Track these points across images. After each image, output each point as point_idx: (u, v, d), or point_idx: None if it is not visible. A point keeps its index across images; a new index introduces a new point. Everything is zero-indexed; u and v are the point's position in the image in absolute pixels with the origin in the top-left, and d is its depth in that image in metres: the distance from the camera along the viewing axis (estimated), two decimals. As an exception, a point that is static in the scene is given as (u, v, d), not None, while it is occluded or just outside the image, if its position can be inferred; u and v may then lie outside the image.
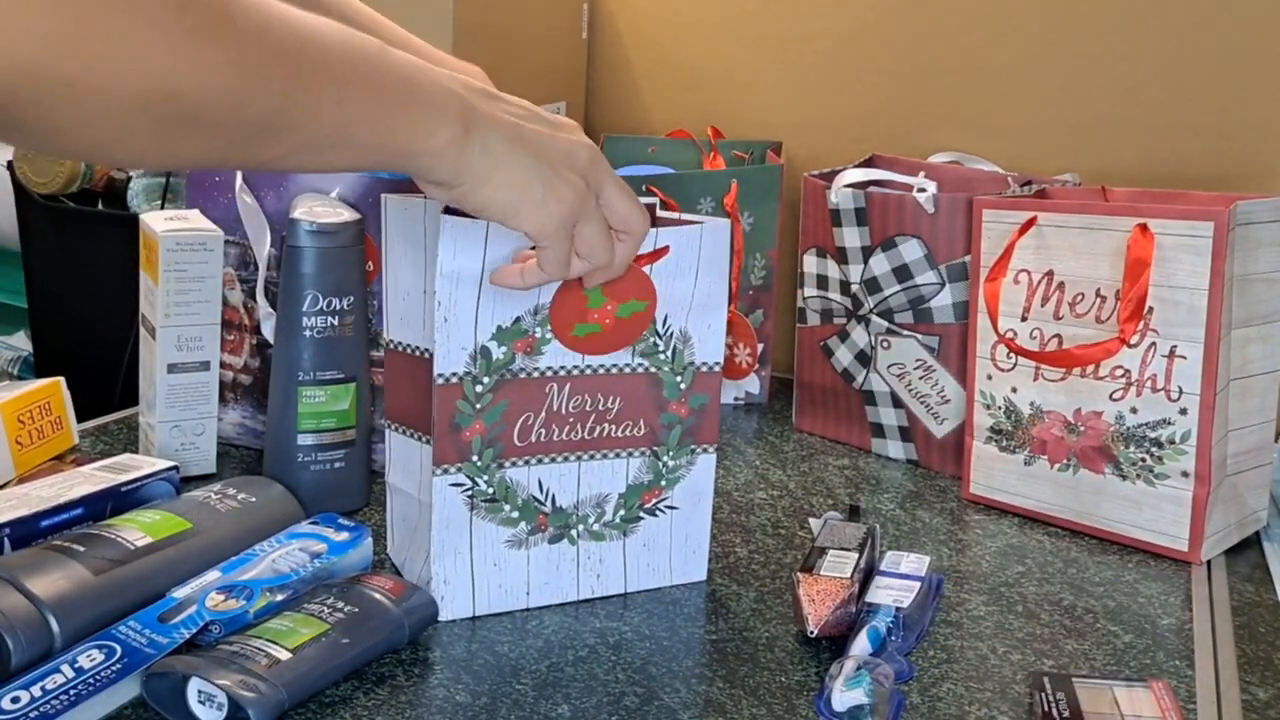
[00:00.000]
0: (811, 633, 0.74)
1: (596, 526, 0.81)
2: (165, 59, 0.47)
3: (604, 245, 0.67)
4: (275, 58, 0.51)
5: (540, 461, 0.78)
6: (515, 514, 0.78)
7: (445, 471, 0.75)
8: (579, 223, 0.66)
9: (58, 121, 0.46)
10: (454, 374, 0.74)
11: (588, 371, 0.78)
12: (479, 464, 0.76)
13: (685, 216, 0.82)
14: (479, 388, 0.75)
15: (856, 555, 0.79)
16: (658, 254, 0.77)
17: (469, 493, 0.76)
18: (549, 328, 0.76)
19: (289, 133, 0.54)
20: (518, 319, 0.75)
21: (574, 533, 0.80)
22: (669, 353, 0.80)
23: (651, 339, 0.79)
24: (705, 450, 0.83)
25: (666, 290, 0.78)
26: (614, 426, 0.79)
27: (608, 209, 0.67)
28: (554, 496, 0.79)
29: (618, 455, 0.80)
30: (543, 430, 0.77)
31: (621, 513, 0.81)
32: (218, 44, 0.49)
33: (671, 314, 0.79)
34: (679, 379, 0.81)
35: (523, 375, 0.76)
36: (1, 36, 0.43)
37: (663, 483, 0.82)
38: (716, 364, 0.82)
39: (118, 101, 0.46)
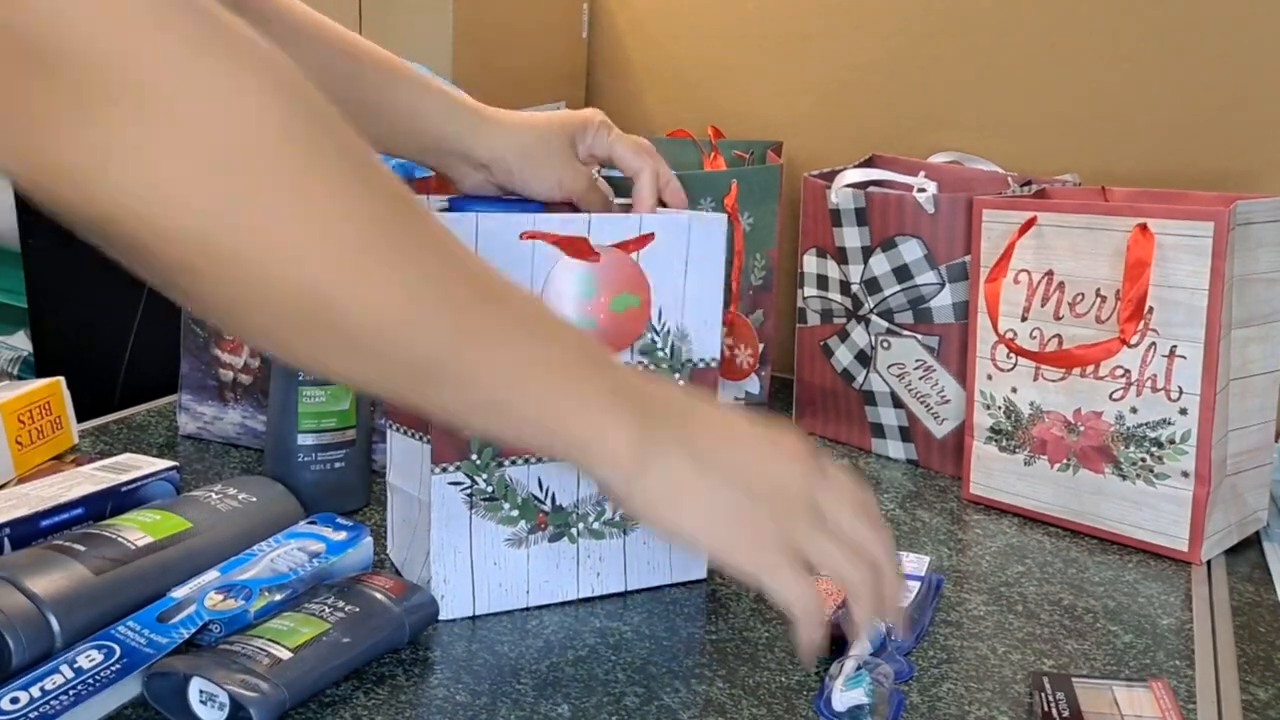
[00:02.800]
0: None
1: (596, 525, 0.81)
2: (329, 264, 0.46)
3: (844, 560, 0.58)
4: (442, 297, 0.49)
5: (540, 460, 0.78)
6: (515, 512, 0.78)
7: (444, 470, 0.75)
8: (801, 543, 0.58)
9: (215, 297, 0.46)
10: (454, 374, 0.74)
11: None
12: (478, 462, 0.76)
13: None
14: (479, 387, 0.75)
15: None
16: (642, 240, 0.77)
17: (468, 491, 0.76)
18: None
19: (446, 386, 0.51)
20: None
21: (574, 531, 0.80)
22: (667, 350, 0.80)
23: (650, 337, 0.79)
24: None
25: (656, 282, 0.78)
26: None
27: (836, 529, 0.59)
28: (553, 495, 0.79)
29: None
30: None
31: (621, 511, 0.81)
32: (387, 267, 0.47)
33: (667, 310, 0.79)
34: (677, 376, 0.81)
35: None
36: (175, 204, 0.42)
37: (663, 482, 0.82)
38: (714, 360, 0.82)
39: (272, 292, 0.45)
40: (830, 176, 1.18)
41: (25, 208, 1.55)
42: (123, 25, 0.41)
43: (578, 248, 0.75)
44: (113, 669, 0.63)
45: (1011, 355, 1.00)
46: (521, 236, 0.74)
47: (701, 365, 0.82)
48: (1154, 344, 0.91)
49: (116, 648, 0.64)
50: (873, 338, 1.13)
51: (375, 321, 0.47)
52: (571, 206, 0.81)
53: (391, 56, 0.89)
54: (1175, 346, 0.90)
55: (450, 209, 0.74)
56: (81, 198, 0.42)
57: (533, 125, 0.78)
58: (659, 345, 0.80)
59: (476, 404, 0.52)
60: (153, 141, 0.42)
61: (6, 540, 0.76)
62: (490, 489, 0.77)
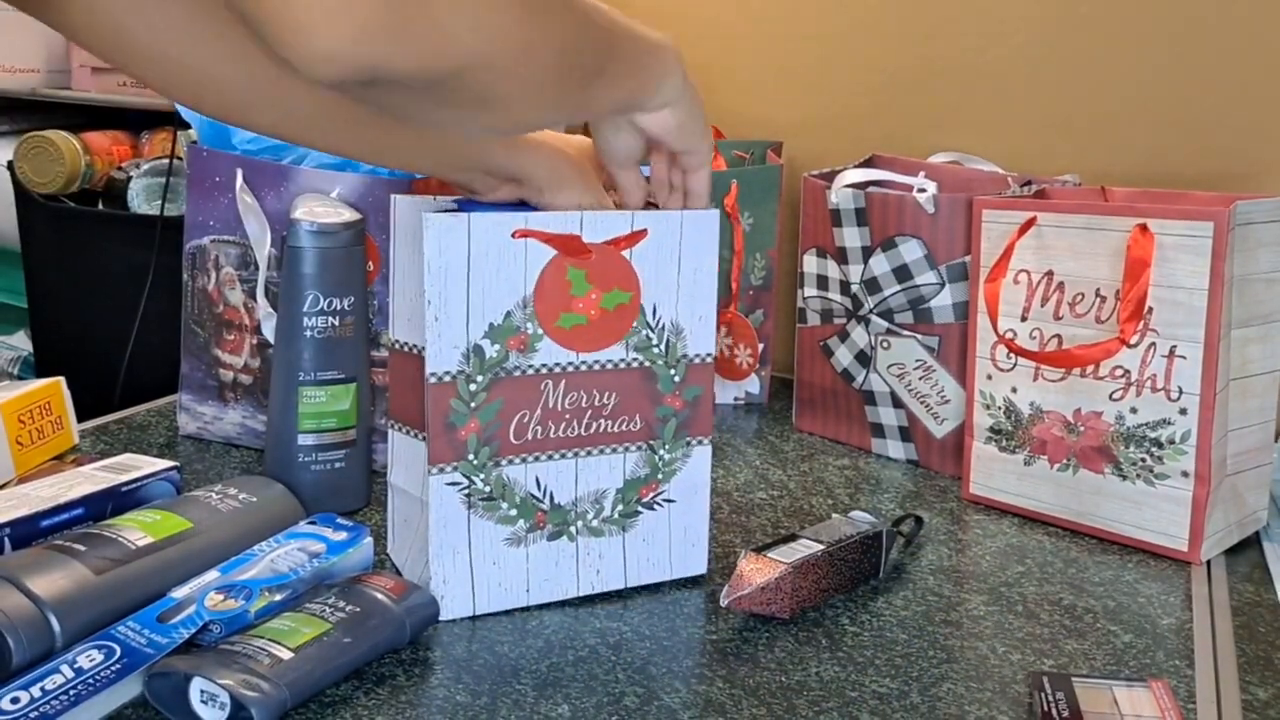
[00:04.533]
0: (723, 604, 0.76)
1: (595, 522, 0.81)
2: (548, 43, 0.58)
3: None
4: (590, 19, 0.62)
5: (537, 459, 0.78)
6: (513, 512, 0.78)
7: (441, 470, 0.75)
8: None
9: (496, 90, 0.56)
10: (447, 372, 0.74)
11: (582, 368, 0.78)
12: (475, 462, 0.76)
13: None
14: (473, 386, 0.75)
15: (822, 549, 0.80)
16: (635, 237, 0.77)
17: (466, 491, 0.76)
18: (539, 323, 0.76)
19: (609, 75, 0.66)
20: (508, 314, 0.75)
21: (573, 529, 0.80)
22: (662, 346, 0.80)
23: (644, 333, 0.79)
24: (700, 442, 0.83)
25: (650, 278, 0.79)
26: (610, 422, 0.80)
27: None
28: (552, 493, 0.79)
29: (614, 450, 0.80)
30: (539, 427, 0.77)
31: (620, 508, 0.81)
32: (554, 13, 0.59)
33: (661, 305, 0.80)
34: (673, 372, 0.81)
35: (517, 373, 0.76)
36: (468, 29, 0.52)
37: (659, 476, 0.82)
38: (709, 355, 0.82)
39: (546, 62, 0.58)
40: (830, 176, 1.18)
41: (25, 208, 1.55)
42: None
43: (571, 246, 0.76)
44: (113, 669, 0.63)
45: (1011, 355, 1.00)
46: (514, 235, 0.74)
47: (697, 360, 0.82)
48: (1154, 344, 0.91)
49: (117, 648, 0.64)
50: (873, 338, 1.13)
51: (575, 68, 0.62)
52: None
53: None
54: (1175, 346, 0.90)
55: (456, 210, 0.74)
56: (429, 58, 0.51)
57: (565, 149, 0.79)
58: (654, 341, 0.80)
59: (619, 89, 0.69)
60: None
61: (6, 540, 0.76)
62: (488, 489, 0.77)
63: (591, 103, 0.68)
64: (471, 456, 0.76)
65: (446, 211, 0.74)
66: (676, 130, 0.75)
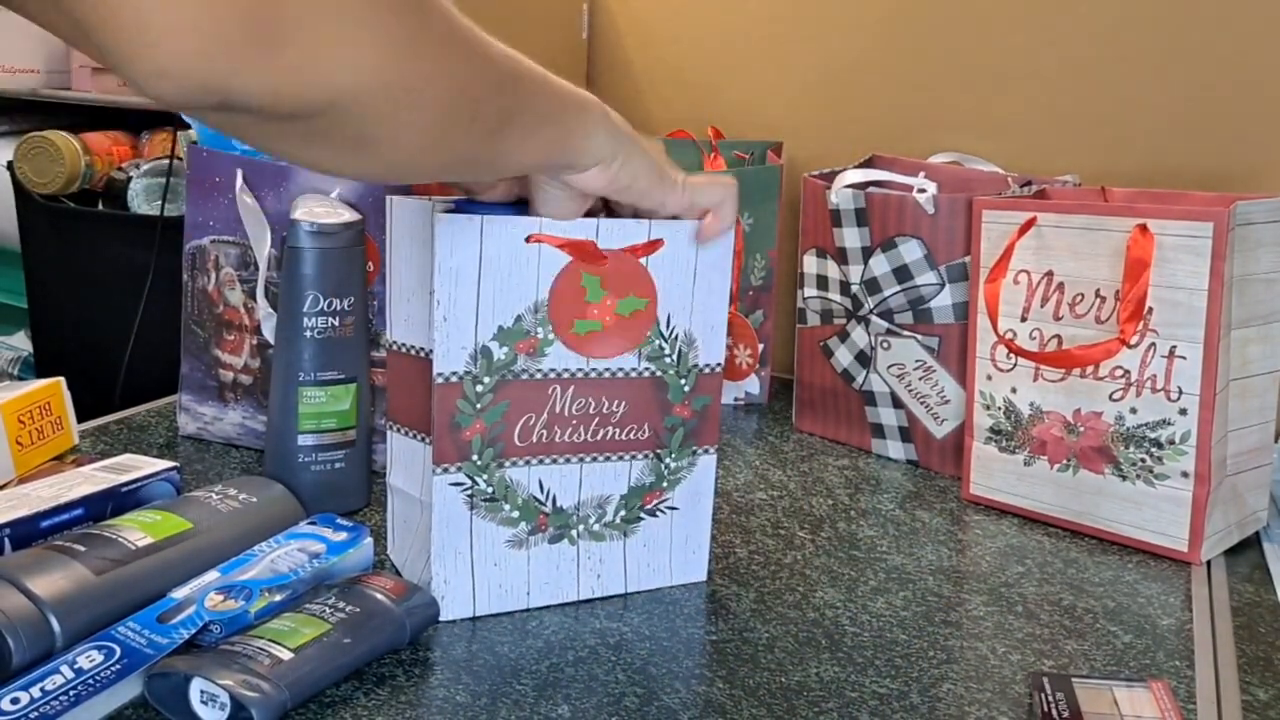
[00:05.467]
0: None
1: (597, 527, 0.81)
2: (439, 98, 0.54)
3: (713, 188, 0.80)
4: (494, 65, 0.58)
5: (541, 462, 0.78)
6: (515, 514, 0.78)
7: (445, 471, 0.75)
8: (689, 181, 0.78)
9: (380, 131, 0.52)
10: (454, 373, 0.74)
11: (592, 375, 0.78)
12: (479, 463, 0.76)
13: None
14: (479, 387, 0.75)
15: None
16: (652, 246, 0.77)
17: (469, 492, 0.76)
18: (551, 328, 0.76)
19: (517, 128, 0.61)
20: (519, 318, 0.75)
21: (574, 533, 0.80)
22: (674, 355, 0.80)
23: (657, 342, 0.79)
24: (706, 451, 0.83)
25: (665, 287, 0.78)
26: (618, 429, 0.79)
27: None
28: (554, 497, 0.79)
29: (620, 458, 0.80)
30: (544, 431, 0.77)
31: (622, 513, 0.81)
32: (460, 56, 0.56)
33: (675, 315, 0.79)
34: (683, 381, 0.81)
35: (525, 376, 0.76)
36: (337, 62, 0.47)
37: (664, 484, 0.82)
38: (718, 365, 0.82)
39: (433, 106, 0.54)
40: (830, 177, 1.18)
41: (25, 208, 1.55)
42: None
43: (586, 252, 0.75)
44: (113, 669, 0.63)
45: (1011, 355, 1.00)
46: (528, 239, 0.74)
47: (707, 370, 0.82)
48: (1154, 344, 0.91)
49: (117, 648, 0.64)
50: (873, 338, 1.13)
51: (474, 90, 0.57)
52: None
53: None
54: (1175, 347, 0.90)
55: (456, 210, 0.74)
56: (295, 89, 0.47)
57: None
58: (666, 351, 0.80)
59: (527, 142, 0.64)
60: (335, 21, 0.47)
61: (7, 540, 0.76)
62: (491, 490, 0.77)
63: (499, 157, 0.63)
64: (475, 457, 0.76)
65: (446, 212, 0.74)
66: (624, 189, 0.72)
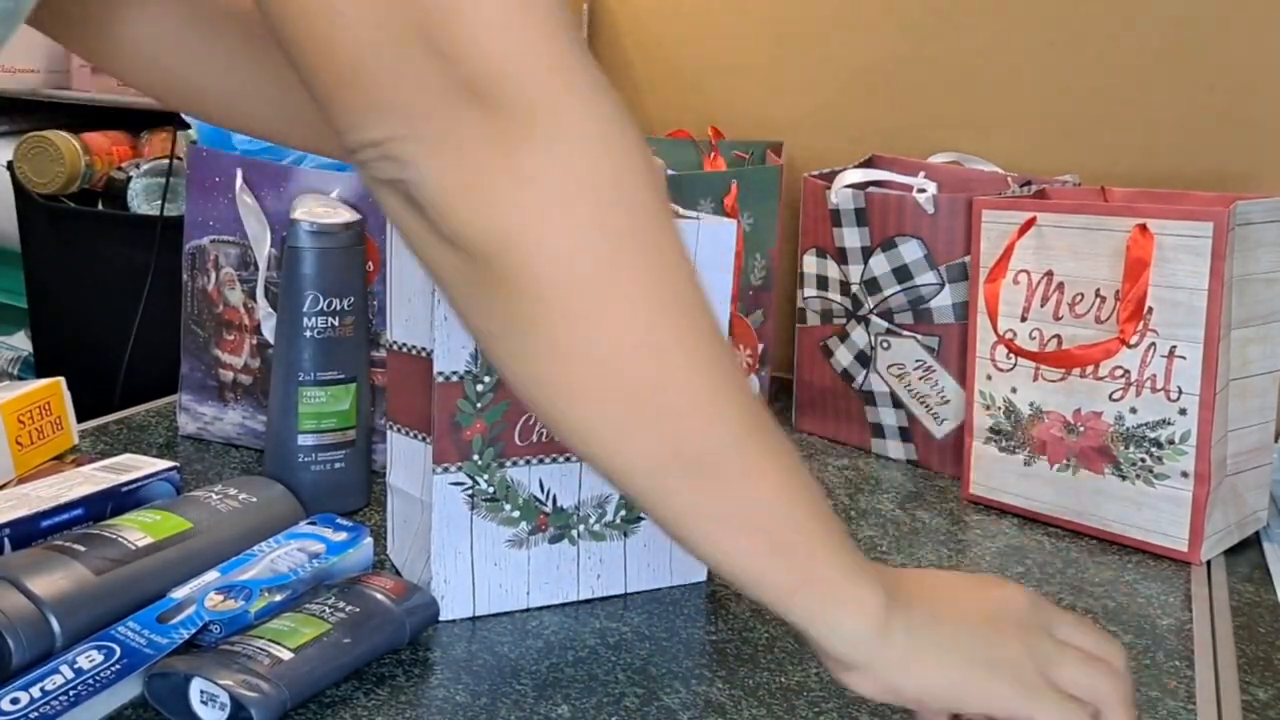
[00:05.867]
0: None
1: (597, 526, 0.81)
2: (668, 324, 0.48)
3: (1093, 676, 0.55)
4: (738, 389, 0.50)
5: (541, 461, 0.78)
6: (516, 513, 0.78)
7: (445, 470, 0.75)
8: (1049, 670, 0.54)
9: (551, 353, 0.48)
10: (455, 372, 0.74)
11: None
12: (479, 463, 0.76)
13: (683, 213, 0.82)
14: (480, 387, 0.75)
15: None
16: None
17: (469, 492, 0.76)
18: None
19: (717, 481, 0.50)
20: None
21: (574, 533, 0.80)
22: None
23: None
24: None
25: None
26: None
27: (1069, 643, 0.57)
28: (555, 496, 0.79)
29: None
30: (544, 430, 0.77)
31: (622, 513, 0.81)
32: (707, 345, 0.50)
33: None
34: None
35: None
36: (563, 229, 0.46)
37: (663, 483, 0.82)
38: None
39: (609, 350, 0.48)
40: (830, 176, 1.18)
41: (25, 208, 1.55)
42: (550, 71, 0.45)
43: None
44: (113, 669, 0.63)
45: (1011, 355, 1.00)
46: None
47: None
48: (1153, 344, 0.91)
49: (117, 648, 0.64)
50: (873, 338, 1.13)
51: (690, 401, 0.49)
52: None
53: None
54: (1175, 347, 0.90)
55: None
56: (483, 218, 0.45)
57: None
58: None
59: (724, 517, 0.52)
60: (560, 172, 0.45)
61: (6, 540, 0.76)
62: (491, 490, 0.77)
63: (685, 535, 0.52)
64: (476, 457, 0.76)
65: None
66: (937, 697, 0.54)
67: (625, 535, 0.82)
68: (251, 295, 1.03)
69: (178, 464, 0.90)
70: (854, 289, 1.13)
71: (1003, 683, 0.53)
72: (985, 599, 0.56)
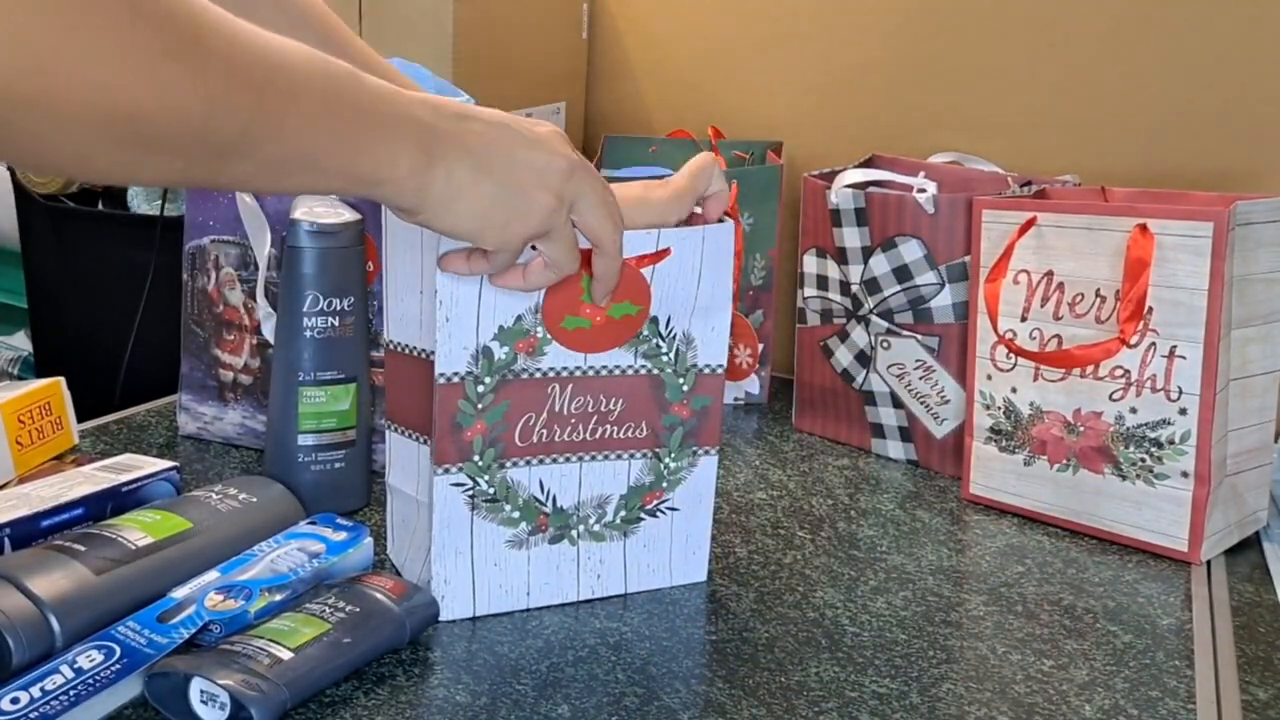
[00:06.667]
0: None
1: (597, 527, 0.81)
2: (129, 81, 0.47)
3: (568, 258, 0.69)
4: (242, 84, 0.51)
5: (541, 462, 0.78)
6: (516, 514, 0.78)
7: (446, 471, 0.75)
8: (544, 240, 0.67)
9: (22, 141, 0.46)
10: (455, 374, 0.74)
11: (590, 373, 0.78)
12: (480, 464, 0.76)
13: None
14: (480, 388, 0.75)
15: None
16: (659, 255, 0.77)
17: (470, 492, 0.76)
18: (545, 323, 0.76)
19: (250, 157, 0.53)
20: (519, 317, 0.75)
21: (574, 533, 0.80)
22: (671, 354, 0.80)
23: (654, 340, 0.79)
24: (707, 452, 0.83)
25: (669, 292, 0.78)
26: (616, 428, 0.79)
27: (579, 224, 0.69)
28: (555, 497, 0.79)
29: (619, 457, 0.80)
30: (544, 431, 0.77)
31: (622, 514, 0.81)
32: (184, 68, 0.48)
33: (674, 316, 0.79)
34: (681, 381, 0.81)
35: (525, 376, 0.76)
36: None
37: (664, 484, 0.82)
38: (719, 366, 0.82)
39: (81, 122, 0.46)
40: (830, 176, 1.18)
41: (25, 208, 1.55)
42: None
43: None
44: (113, 669, 0.63)
45: (1011, 355, 1.00)
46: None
47: (707, 371, 0.82)
48: (1154, 344, 0.91)
49: (117, 648, 0.64)
50: (873, 338, 1.13)
51: (177, 122, 0.49)
52: None
53: (391, 67, 0.88)
54: (1175, 347, 0.90)
55: None
56: None
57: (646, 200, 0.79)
58: (663, 349, 0.80)
59: (276, 170, 0.56)
60: None
61: (6, 540, 0.76)
62: (492, 490, 0.77)
63: (234, 173, 0.54)
64: (477, 458, 0.76)
65: None
66: (465, 234, 0.65)
67: (625, 536, 0.82)
68: (251, 295, 1.03)
69: (178, 464, 0.90)
70: (854, 289, 1.13)
71: (503, 239, 0.65)
72: (532, 159, 0.65)
